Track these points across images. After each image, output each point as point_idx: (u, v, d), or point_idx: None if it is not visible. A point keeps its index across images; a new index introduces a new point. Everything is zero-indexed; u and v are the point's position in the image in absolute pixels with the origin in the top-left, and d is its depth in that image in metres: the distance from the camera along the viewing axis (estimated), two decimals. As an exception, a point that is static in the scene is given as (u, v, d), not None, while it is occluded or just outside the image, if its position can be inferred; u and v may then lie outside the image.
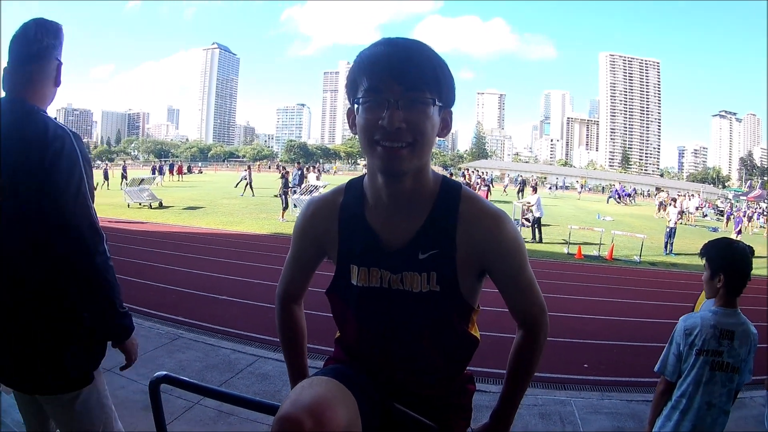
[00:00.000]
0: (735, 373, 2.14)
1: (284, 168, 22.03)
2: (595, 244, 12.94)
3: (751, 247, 2.27)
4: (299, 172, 19.12)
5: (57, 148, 1.45)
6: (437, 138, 1.12)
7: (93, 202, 1.55)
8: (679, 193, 36.23)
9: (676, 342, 2.25)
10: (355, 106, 1.09)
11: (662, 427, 2.26)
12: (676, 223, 14.89)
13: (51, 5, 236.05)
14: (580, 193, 43.10)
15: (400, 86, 1.03)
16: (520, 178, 33.78)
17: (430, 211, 1.16)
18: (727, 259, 2.22)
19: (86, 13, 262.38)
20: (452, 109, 1.15)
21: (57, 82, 1.60)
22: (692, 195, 37.75)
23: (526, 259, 1.20)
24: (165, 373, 1.60)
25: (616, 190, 39.60)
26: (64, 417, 1.67)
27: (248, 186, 24.08)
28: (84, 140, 1.68)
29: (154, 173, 29.49)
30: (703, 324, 2.17)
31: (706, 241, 2.35)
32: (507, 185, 34.97)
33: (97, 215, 1.55)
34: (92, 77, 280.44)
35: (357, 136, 1.10)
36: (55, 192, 1.44)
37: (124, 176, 25.16)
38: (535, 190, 15.86)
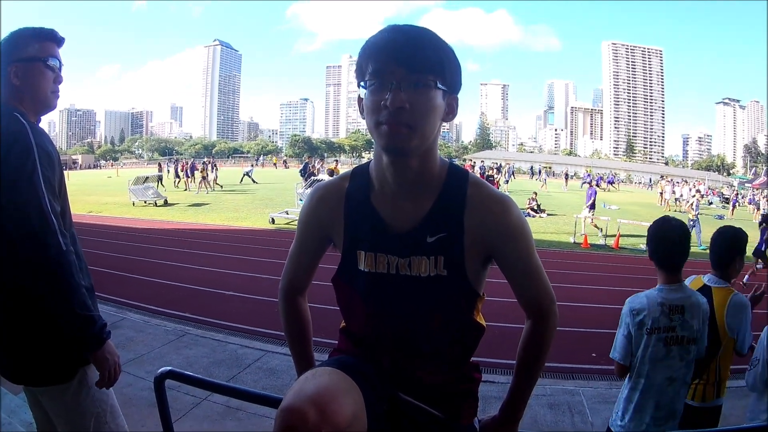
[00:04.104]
0: (692, 344, 2.14)
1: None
2: (602, 234, 12.89)
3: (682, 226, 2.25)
4: (305, 166, 18.89)
5: (10, 140, 1.49)
6: (442, 123, 1.13)
7: (56, 197, 1.54)
8: (683, 180, 35.97)
9: (624, 323, 2.23)
10: (362, 90, 1.11)
11: (624, 410, 2.24)
12: (697, 214, 14.21)
13: (57, 5, 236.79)
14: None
15: (403, 69, 1.04)
16: (506, 167, 32.88)
17: (438, 194, 1.16)
18: (651, 234, 2.26)
19: (95, 13, 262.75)
20: (458, 96, 1.15)
21: (6, 85, 1.62)
22: (686, 181, 37.04)
23: (533, 246, 1.20)
24: (169, 368, 1.60)
25: (595, 178, 39.00)
26: (56, 409, 1.68)
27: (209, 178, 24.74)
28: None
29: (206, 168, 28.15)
30: (650, 303, 2.16)
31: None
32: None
33: (59, 209, 1.54)
34: (99, 77, 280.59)
35: (365, 121, 1.11)
36: (5, 180, 1.46)
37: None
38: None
